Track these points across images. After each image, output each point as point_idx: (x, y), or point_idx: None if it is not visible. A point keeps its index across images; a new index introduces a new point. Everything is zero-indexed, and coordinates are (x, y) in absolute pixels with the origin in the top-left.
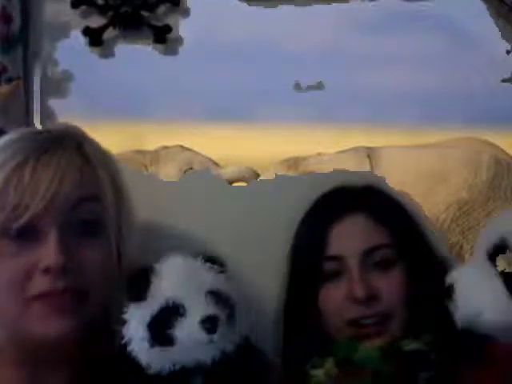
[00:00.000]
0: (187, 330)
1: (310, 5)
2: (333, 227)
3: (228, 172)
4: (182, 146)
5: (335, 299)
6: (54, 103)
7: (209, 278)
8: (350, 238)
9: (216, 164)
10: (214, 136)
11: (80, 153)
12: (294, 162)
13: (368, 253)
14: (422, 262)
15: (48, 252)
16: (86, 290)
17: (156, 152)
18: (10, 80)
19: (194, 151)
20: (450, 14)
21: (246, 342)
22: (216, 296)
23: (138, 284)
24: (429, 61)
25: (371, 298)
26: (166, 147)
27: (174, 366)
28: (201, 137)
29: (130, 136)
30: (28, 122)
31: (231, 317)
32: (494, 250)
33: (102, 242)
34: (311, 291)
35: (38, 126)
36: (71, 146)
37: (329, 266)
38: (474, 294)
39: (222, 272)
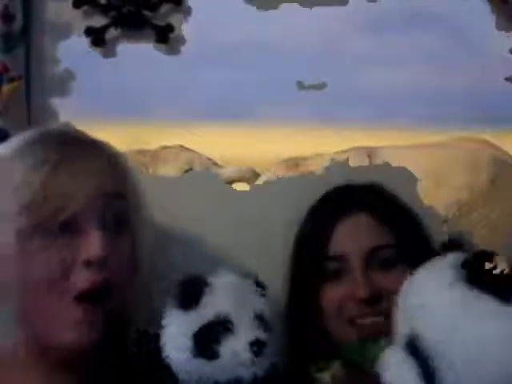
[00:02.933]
0: (234, 349)
1: (311, 5)
2: (336, 226)
3: (228, 172)
4: (182, 146)
5: (337, 298)
6: (55, 102)
7: (258, 301)
8: (353, 237)
9: (216, 164)
10: (214, 136)
11: (106, 152)
12: (294, 162)
13: (371, 252)
14: (423, 261)
15: (90, 245)
16: (112, 287)
17: (156, 152)
18: (11, 79)
19: (194, 151)
20: (450, 14)
21: (274, 369)
22: (261, 321)
23: (190, 292)
24: (429, 61)
25: (374, 297)
26: (166, 147)
27: (208, 379)
28: (201, 137)
29: (130, 136)
30: (29, 121)
31: (269, 345)
32: (409, 341)
33: (126, 238)
34: (313, 290)
35: (40, 126)
36: (96, 145)
37: (331, 265)
38: None
39: (264, 296)
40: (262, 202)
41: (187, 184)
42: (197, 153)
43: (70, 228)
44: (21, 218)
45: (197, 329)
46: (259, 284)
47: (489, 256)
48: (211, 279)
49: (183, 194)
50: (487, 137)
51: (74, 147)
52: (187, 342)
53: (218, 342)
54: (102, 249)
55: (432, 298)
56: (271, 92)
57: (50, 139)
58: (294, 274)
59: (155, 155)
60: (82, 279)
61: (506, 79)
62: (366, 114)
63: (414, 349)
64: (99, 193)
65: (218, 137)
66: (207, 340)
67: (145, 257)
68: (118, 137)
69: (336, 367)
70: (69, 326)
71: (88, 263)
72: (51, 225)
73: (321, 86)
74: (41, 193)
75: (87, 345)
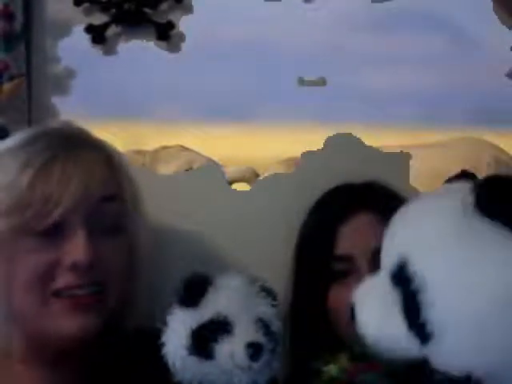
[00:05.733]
0: (230, 350)
1: (312, 2)
2: (339, 227)
3: (228, 172)
4: (182, 146)
5: (345, 299)
6: (56, 100)
7: (262, 306)
8: (358, 237)
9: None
10: (214, 136)
11: (102, 152)
12: (294, 162)
13: (377, 251)
14: None
15: (76, 248)
16: (105, 288)
17: (156, 152)
18: (12, 77)
19: (194, 151)
20: (451, 14)
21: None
22: (265, 326)
23: (194, 290)
24: (429, 60)
25: None
26: (166, 147)
27: (204, 380)
28: (201, 137)
29: (130, 136)
30: (30, 119)
31: (272, 352)
32: (397, 270)
33: (121, 241)
34: (320, 292)
35: (40, 124)
36: (93, 145)
37: (338, 265)
38: (369, 322)
39: (274, 306)
40: (262, 201)
41: (187, 184)
42: (197, 153)
43: (57, 230)
44: (6, 218)
45: (195, 327)
46: (267, 290)
47: (506, 182)
48: (216, 279)
49: (183, 193)
50: (487, 137)
51: (69, 147)
52: (185, 340)
53: (215, 341)
54: (89, 254)
55: (429, 222)
56: (272, 92)
57: (45, 139)
58: (298, 274)
59: (155, 155)
60: (68, 284)
61: (507, 75)
62: (366, 114)
63: (401, 278)
64: (89, 195)
65: (218, 137)
66: (205, 339)
67: (144, 258)
68: (117, 136)
69: (343, 360)
70: (59, 320)
71: (73, 267)
72: (38, 227)
73: (321, 85)
74: (27, 194)
75: (83, 336)
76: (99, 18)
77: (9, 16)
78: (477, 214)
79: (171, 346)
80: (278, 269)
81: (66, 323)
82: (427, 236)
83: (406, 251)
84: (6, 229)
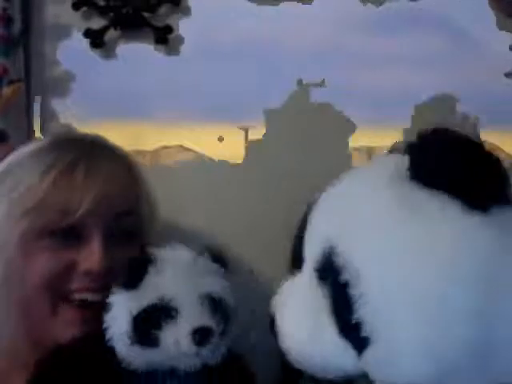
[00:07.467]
0: (175, 337)
1: (311, 4)
2: None
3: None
4: (182, 146)
5: None
6: (55, 104)
7: (210, 280)
8: None
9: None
10: (214, 136)
11: (123, 162)
12: None
13: None
14: None
15: (91, 255)
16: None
17: (156, 152)
18: (11, 82)
19: (194, 151)
20: (450, 14)
21: (230, 353)
22: (214, 302)
23: (134, 269)
24: (429, 60)
25: None
26: (166, 147)
27: (150, 366)
28: (201, 137)
29: (130, 136)
30: (29, 123)
31: (226, 328)
32: (322, 260)
33: (135, 248)
34: None
35: (40, 127)
36: (115, 154)
37: None
38: (293, 332)
39: (225, 273)
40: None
41: (189, 180)
42: (197, 153)
43: (75, 233)
44: (28, 219)
45: (136, 312)
46: (220, 259)
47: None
48: (159, 255)
49: (184, 188)
50: (487, 137)
51: (92, 153)
52: (127, 327)
53: (158, 327)
54: (103, 262)
55: (360, 198)
56: (272, 91)
57: (69, 144)
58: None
59: (155, 155)
60: (80, 287)
61: (506, 75)
62: (366, 114)
63: (327, 270)
64: (110, 201)
65: (217, 137)
66: (147, 325)
67: None
68: (117, 137)
69: None
70: (66, 329)
71: (88, 273)
72: (57, 227)
73: (321, 86)
74: (49, 195)
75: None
76: (98, 22)
77: (7, 20)
78: (413, 183)
79: (114, 333)
80: (278, 266)
81: (69, 334)
82: (357, 214)
83: (332, 236)
84: (27, 229)
